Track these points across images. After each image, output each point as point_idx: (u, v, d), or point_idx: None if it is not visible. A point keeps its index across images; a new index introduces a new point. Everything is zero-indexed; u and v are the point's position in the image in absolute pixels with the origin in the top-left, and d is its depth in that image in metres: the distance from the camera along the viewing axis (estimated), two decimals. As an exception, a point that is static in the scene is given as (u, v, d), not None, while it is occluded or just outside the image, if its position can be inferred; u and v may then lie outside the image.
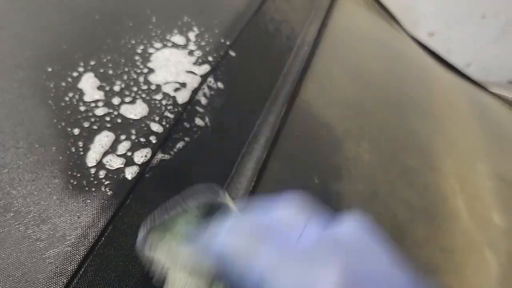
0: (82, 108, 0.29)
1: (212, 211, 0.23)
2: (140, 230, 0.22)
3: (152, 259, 0.21)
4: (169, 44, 0.35)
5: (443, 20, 1.38)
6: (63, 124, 0.28)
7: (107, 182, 0.25)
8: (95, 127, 0.28)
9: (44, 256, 0.22)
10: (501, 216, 0.45)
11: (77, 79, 0.31)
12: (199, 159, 0.29)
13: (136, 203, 0.25)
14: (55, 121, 0.28)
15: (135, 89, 0.31)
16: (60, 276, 0.21)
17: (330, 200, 0.35)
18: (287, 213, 0.18)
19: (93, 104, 0.29)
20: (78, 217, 0.23)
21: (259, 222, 0.17)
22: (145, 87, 0.31)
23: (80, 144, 0.27)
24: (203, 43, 0.36)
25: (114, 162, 0.26)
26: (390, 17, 0.77)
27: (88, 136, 0.27)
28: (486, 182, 0.48)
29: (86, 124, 0.28)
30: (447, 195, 0.44)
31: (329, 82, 0.47)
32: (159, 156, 0.27)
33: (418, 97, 0.55)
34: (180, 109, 0.30)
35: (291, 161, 0.35)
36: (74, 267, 0.21)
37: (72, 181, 0.25)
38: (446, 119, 0.55)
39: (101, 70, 0.32)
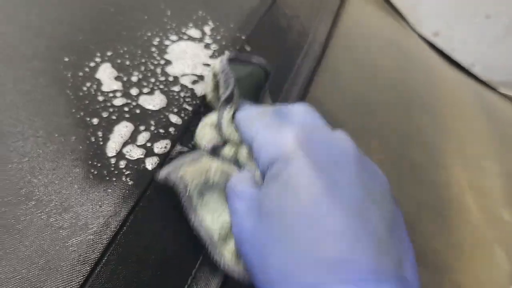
0: (100, 98, 0.29)
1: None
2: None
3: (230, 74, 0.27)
4: (185, 37, 0.35)
5: (447, 20, 1.39)
6: (81, 113, 0.28)
7: (127, 172, 0.25)
8: (114, 117, 0.28)
9: (67, 244, 0.22)
10: (510, 213, 0.45)
11: (94, 69, 0.31)
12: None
13: (156, 193, 0.25)
14: (73, 110, 0.28)
15: (152, 80, 0.31)
16: (83, 264, 0.21)
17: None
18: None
19: (111, 94, 0.29)
20: (100, 206, 0.23)
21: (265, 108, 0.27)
22: (162, 78, 0.31)
23: (100, 134, 0.27)
24: (218, 37, 0.36)
25: (134, 153, 0.26)
26: (398, 15, 0.77)
27: (107, 126, 0.27)
28: (495, 180, 0.49)
29: (105, 114, 0.28)
30: (456, 192, 0.44)
31: (339, 80, 0.47)
32: (178, 147, 0.27)
33: (426, 95, 0.56)
34: (198, 101, 0.30)
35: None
36: (97, 255, 0.21)
37: (92, 171, 0.25)
38: (453, 117, 0.56)
39: (118, 61, 0.32)
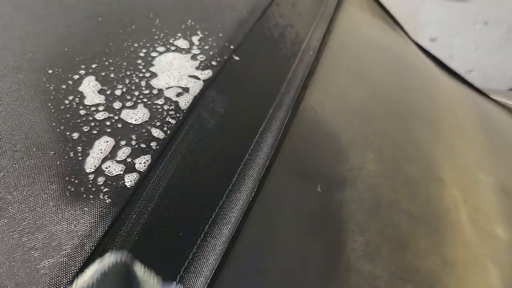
0: (82, 112, 0.28)
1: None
2: None
3: None
4: (172, 47, 0.34)
5: (445, 27, 1.38)
6: (62, 128, 0.27)
7: (105, 189, 0.24)
8: (94, 131, 0.27)
9: (38, 266, 0.21)
10: (504, 229, 0.44)
11: (78, 82, 0.30)
12: (200, 166, 0.28)
13: (135, 212, 0.24)
14: (54, 124, 0.27)
15: (136, 93, 0.30)
16: None
17: (332, 210, 0.35)
18: None
19: (93, 108, 0.29)
20: (75, 226, 0.22)
21: None
22: (146, 91, 0.30)
23: (79, 149, 0.26)
24: (206, 47, 0.35)
25: (113, 169, 0.25)
26: (394, 22, 0.76)
27: (88, 141, 0.27)
28: (489, 194, 0.48)
29: (85, 128, 0.27)
30: (450, 207, 0.43)
31: (334, 88, 0.46)
32: (160, 162, 0.26)
33: (421, 105, 0.55)
34: (182, 114, 0.29)
35: (294, 168, 0.34)
36: (69, 279, 0.21)
37: (69, 187, 0.24)
38: (449, 128, 0.55)
39: (103, 73, 0.31)
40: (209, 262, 0.24)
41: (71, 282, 0.21)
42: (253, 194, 0.30)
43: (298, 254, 0.32)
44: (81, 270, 0.21)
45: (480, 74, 1.43)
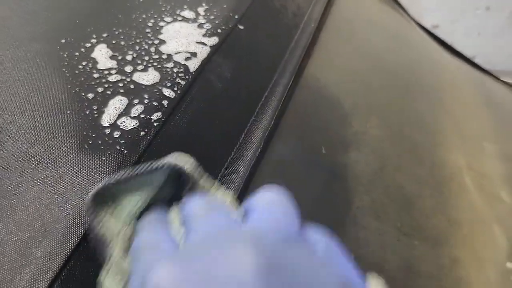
0: (95, 75, 0.29)
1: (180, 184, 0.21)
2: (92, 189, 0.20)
3: (93, 226, 0.20)
4: (179, 18, 0.36)
5: (447, 13, 1.38)
6: (77, 89, 0.28)
7: (122, 142, 0.25)
8: (108, 92, 0.28)
9: (62, 208, 0.22)
10: (509, 194, 0.45)
11: (90, 49, 0.32)
12: (209, 125, 0.30)
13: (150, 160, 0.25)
14: (69, 87, 0.29)
15: (146, 58, 0.31)
16: (78, 226, 0.22)
17: (337, 170, 0.36)
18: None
19: (106, 72, 0.30)
20: (95, 174, 0.24)
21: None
22: (156, 56, 0.32)
23: (95, 107, 0.27)
24: (212, 17, 0.36)
25: (128, 124, 0.26)
26: (398, 6, 0.77)
27: (102, 100, 0.28)
28: (493, 161, 0.48)
29: (100, 89, 0.28)
30: (455, 171, 0.44)
31: (335, 59, 0.47)
32: (171, 119, 0.28)
33: (425, 79, 0.56)
34: (191, 76, 0.30)
35: (298, 131, 0.36)
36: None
37: (88, 140, 0.25)
38: (452, 101, 0.55)
39: (113, 41, 0.32)
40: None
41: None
42: (257, 154, 0.31)
43: (304, 213, 0.33)
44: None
45: (484, 60, 1.42)
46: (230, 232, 0.17)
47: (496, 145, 0.52)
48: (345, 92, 0.42)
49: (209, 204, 0.19)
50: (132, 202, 0.21)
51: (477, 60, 1.44)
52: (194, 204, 0.19)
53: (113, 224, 0.20)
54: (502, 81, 0.85)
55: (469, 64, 0.83)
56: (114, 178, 0.20)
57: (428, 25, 1.37)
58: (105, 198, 0.20)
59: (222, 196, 0.21)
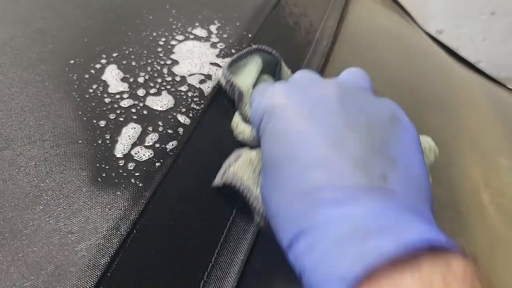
0: (107, 100, 0.28)
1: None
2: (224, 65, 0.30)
3: (232, 83, 0.29)
4: (191, 36, 0.35)
5: (452, 18, 1.37)
6: (88, 116, 0.27)
7: (137, 174, 0.24)
8: (121, 118, 0.27)
9: (76, 249, 0.21)
10: (527, 212, 0.44)
11: (100, 70, 0.30)
12: (227, 149, 0.28)
13: (166, 194, 0.24)
14: (80, 113, 0.27)
15: (159, 80, 0.30)
16: (93, 269, 0.20)
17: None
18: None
19: (118, 96, 0.29)
20: (109, 209, 0.23)
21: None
22: (169, 78, 0.30)
23: (107, 136, 0.26)
24: (225, 36, 0.35)
25: (143, 154, 0.25)
26: (403, 12, 0.76)
27: (115, 128, 0.27)
28: (510, 177, 0.47)
29: (112, 116, 0.27)
30: (472, 190, 0.43)
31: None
32: (188, 147, 0.26)
33: (438, 92, 0.55)
34: (206, 101, 0.29)
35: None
36: (107, 259, 0.21)
37: (101, 173, 0.24)
38: (466, 114, 0.54)
39: (124, 62, 0.31)
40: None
41: (110, 263, 0.21)
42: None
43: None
44: (119, 250, 0.21)
45: (488, 65, 1.41)
46: (321, 79, 0.25)
47: (510, 160, 0.51)
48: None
49: (306, 71, 0.27)
50: (245, 76, 0.30)
51: (481, 65, 1.43)
52: (295, 75, 0.27)
53: (240, 85, 0.29)
54: (508, 88, 0.84)
55: (475, 71, 0.82)
56: (232, 58, 0.30)
57: (432, 31, 1.37)
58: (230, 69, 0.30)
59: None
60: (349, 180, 0.18)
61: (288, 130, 0.21)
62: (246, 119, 0.28)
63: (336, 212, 0.17)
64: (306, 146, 0.20)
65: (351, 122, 0.21)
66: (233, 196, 0.25)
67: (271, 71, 0.32)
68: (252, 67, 0.30)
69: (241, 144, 0.28)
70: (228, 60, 0.30)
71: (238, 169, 0.24)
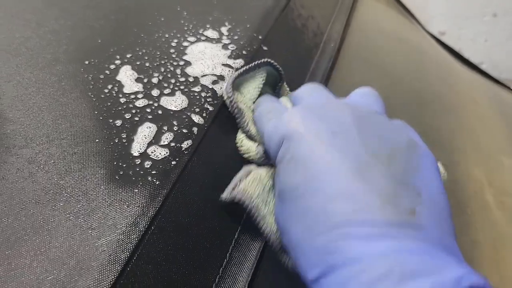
0: (122, 100, 0.29)
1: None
2: (227, 80, 0.31)
3: (233, 99, 0.28)
4: (203, 38, 0.35)
5: (454, 19, 1.38)
6: (104, 115, 0.28)
7: (153, 172, 0.25)
8: (136, 118, 0.28)
9: (96, 244, 0.22)
10: (530, 211, 0.44)
11: (115, 71, 0.31)
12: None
13: (182, 192, 0.25)
14: (96, 113, 0.28)
15: (173, 81, 0.31)
16: (113, 263, 0.21)
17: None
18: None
19: (132, 96, 0.29)
20: (128, 206, 0.23)
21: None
22: (182, 79, 0.31)
23: (123, 135, 0.27)
24: (236, 37, 0.36)
25: (159, 153, 0.26)
26: (407, 13, 0.77)
27: (131, 128, 0.27)
28: (513, 177, 0.48)
29: (127, 116, 0.28)
30: (476, 189, 0.44)
31: (353, 78, 0.47)
32: (202, 146, 0.27)
33: (440, 93, 0.55)
34: (219, 101, 0.30)
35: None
36: (126, 255, 0.21)
37: (118, 171, 0.25)
38: (468, 115, 0.55)
39: (138, 63, 0.32)
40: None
41: (130, 258, 0.21)
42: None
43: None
44: (137, 246, 0.22)
45: (491, 66, 1.42)
46: (334, 100, 0.26)
47: (513, 160, 0.51)
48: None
49: (313, 87, 0.29)
50: (249, 89, 0.30)
51: (484, 67, 1.44)
52: (301, 88, 0.29)
53: (242, 103, 0.29)
54: (511, 89, 0.85)
55: (478, 72, 0.83)
56: (238, 72, 0.29)
57: (435, 32, 1.37)
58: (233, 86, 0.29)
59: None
60: (378, 214, 0.18)
61: (310, 160, 0.20)
62: (249, 136, 0.28)
63: (368, 249, 0.17)
64: (329, 177, 0.19)
65: (372, 151, 0.20)
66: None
67: (272, 82, 0.32)
68: (257, 80, 0.30)
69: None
70: (235, 73, 0.29)
71: (248, 185, 0.24)
